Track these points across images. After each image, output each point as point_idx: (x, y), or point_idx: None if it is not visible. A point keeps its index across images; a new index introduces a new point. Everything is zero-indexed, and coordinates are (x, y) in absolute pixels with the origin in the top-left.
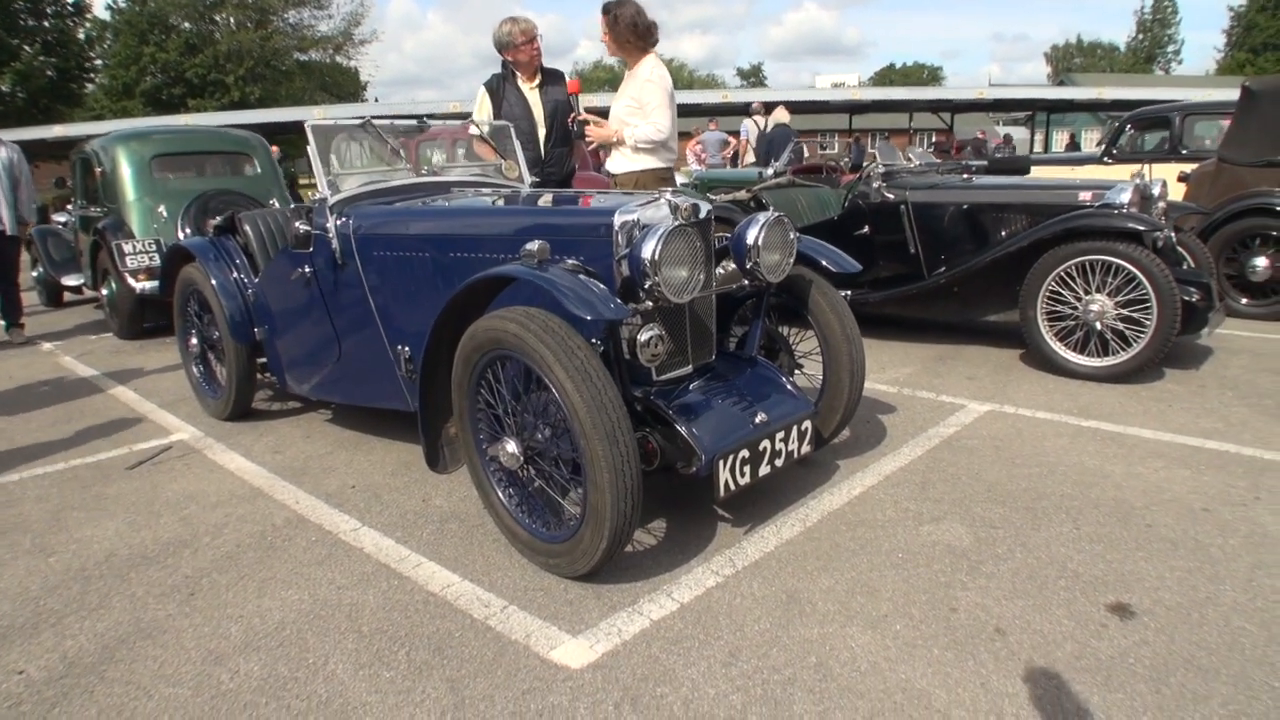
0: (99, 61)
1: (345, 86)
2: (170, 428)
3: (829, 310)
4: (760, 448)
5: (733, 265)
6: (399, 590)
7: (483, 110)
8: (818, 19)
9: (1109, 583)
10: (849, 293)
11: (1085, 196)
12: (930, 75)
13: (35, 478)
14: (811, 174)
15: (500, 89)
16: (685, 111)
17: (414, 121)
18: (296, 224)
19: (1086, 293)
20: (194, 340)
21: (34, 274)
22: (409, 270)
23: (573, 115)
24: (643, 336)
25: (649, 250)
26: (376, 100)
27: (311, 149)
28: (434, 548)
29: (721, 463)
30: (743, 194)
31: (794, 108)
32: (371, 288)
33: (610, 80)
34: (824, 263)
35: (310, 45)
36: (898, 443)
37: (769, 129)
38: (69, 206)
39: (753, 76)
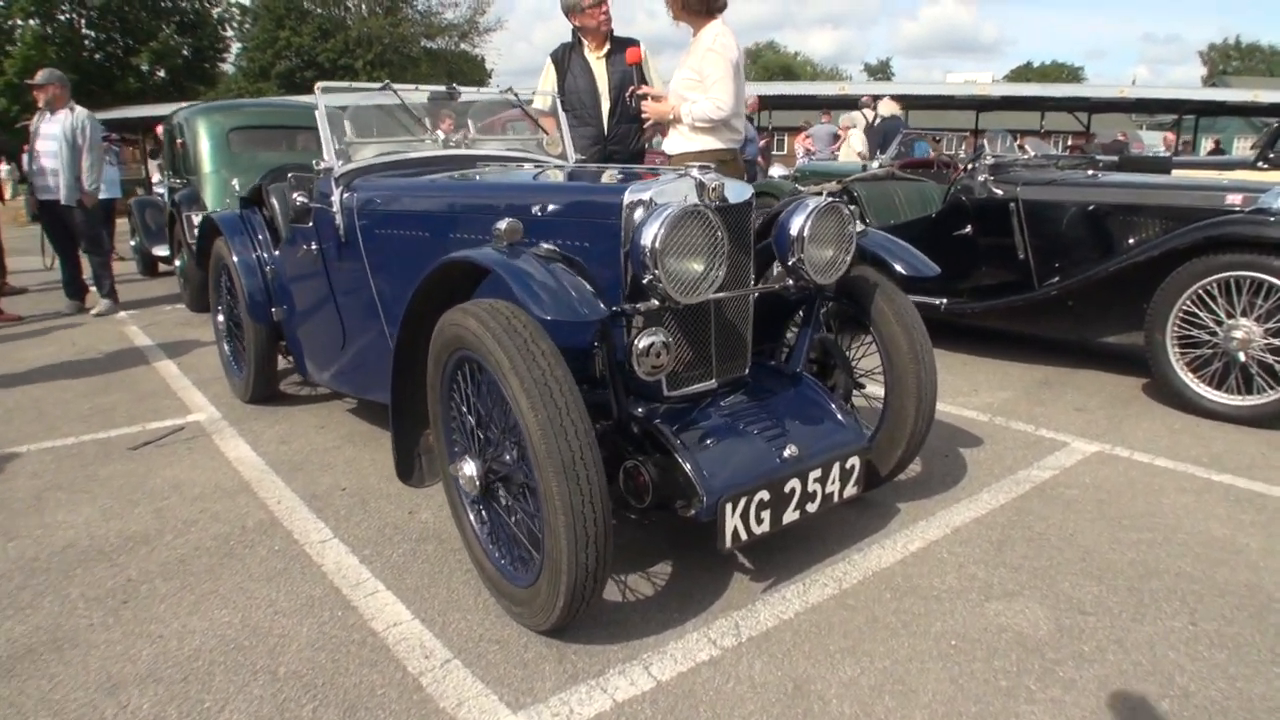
0: (237, 44)
1: (471, 74)
2: (192, 407)
3: (895, 322)
4: (786, 488)
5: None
6: (339, 624)
7: (548, 82)
8: (954, 15)
9: (1230, 711)
10: (943, 300)
11: (1234, 200)
12: (1070, 75)
13: (41, 451)
14: (922, 169)
15: (566, 59)
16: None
17: (443, 89)
18: (294, 195)
19: (1229, 316)
20: (221, 317)
21: (131, 243)
22: (407, 250)
23: (631, 88)
24: (641, 343)
25: (650, 236)
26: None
27: (320, 114)
28: (398, 573)
29: (730, 506)
30: (832, 185)
31: (917, 103)
32: (373, 268)
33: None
34: (894, 264)
35: (437, 32)
36: (977, 485)
37: (876, 122)
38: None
39: (880, 73)
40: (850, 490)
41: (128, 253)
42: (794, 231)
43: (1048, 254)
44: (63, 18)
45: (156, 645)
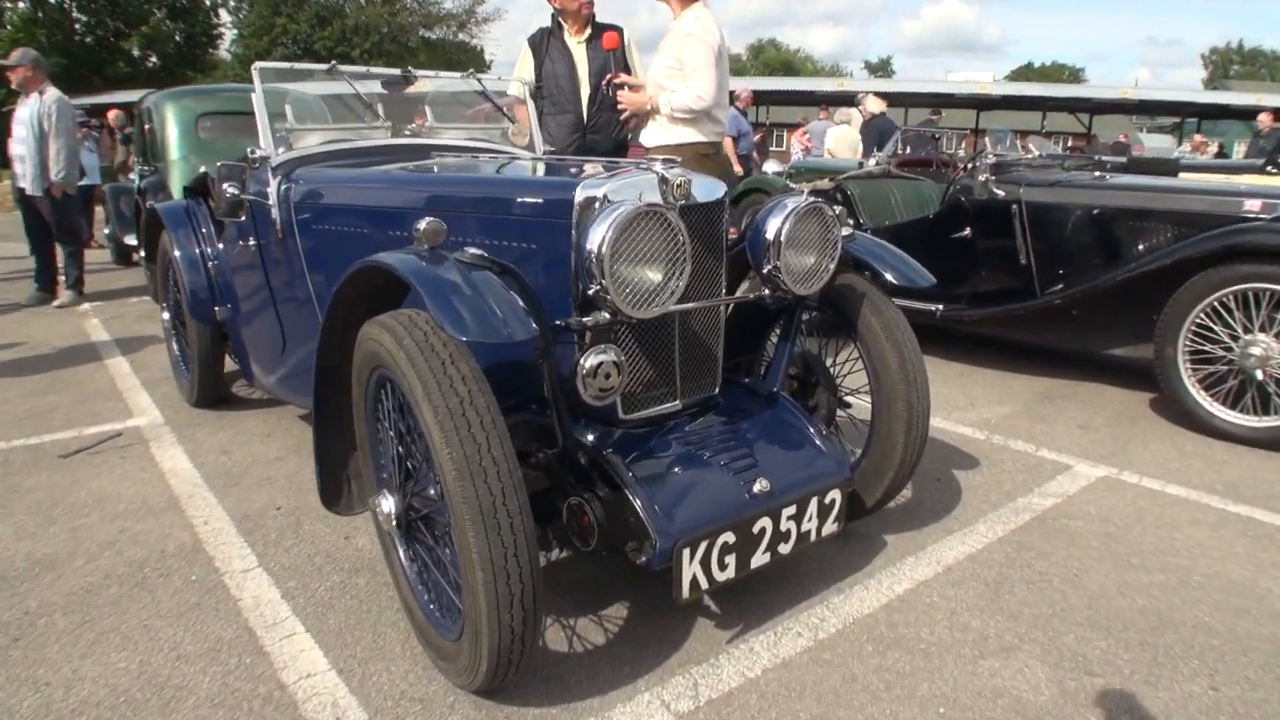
0: (233, 31)
1: (469, 65)
2: (135, 410)
3: (884, 337)
4: (755, 528)
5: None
6: (246, 674)
7: (524, 68)
8: (957, 14)
9: None
10: (939, 307)
11: (1253, 206)
12: (1071, 76)
13: None
14: (920, 167)
15: (544, 43)
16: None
17: (396, 73)
18: (225, 186)
19: (1246, 331)
20: (167, 315)
21: (105, 231)
22: (345, 248)
23: (608, 77)
24: (589, 363)
25: (596, 240)
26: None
27: (257, 97)
28: (322, 612)
29: (688, 551)
30: (825, 183)
31: (917, 101)
32: (310, 267)
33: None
34: (884, 271)
35: (435, 22)
36: (972, 515)
37: (867, 120)
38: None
39: (881, 70)
40: (830, 528)
41: (105, 241)
42: (770, 235)
43: (1051, 259)
44: (52, 0)
45: (40, 695)
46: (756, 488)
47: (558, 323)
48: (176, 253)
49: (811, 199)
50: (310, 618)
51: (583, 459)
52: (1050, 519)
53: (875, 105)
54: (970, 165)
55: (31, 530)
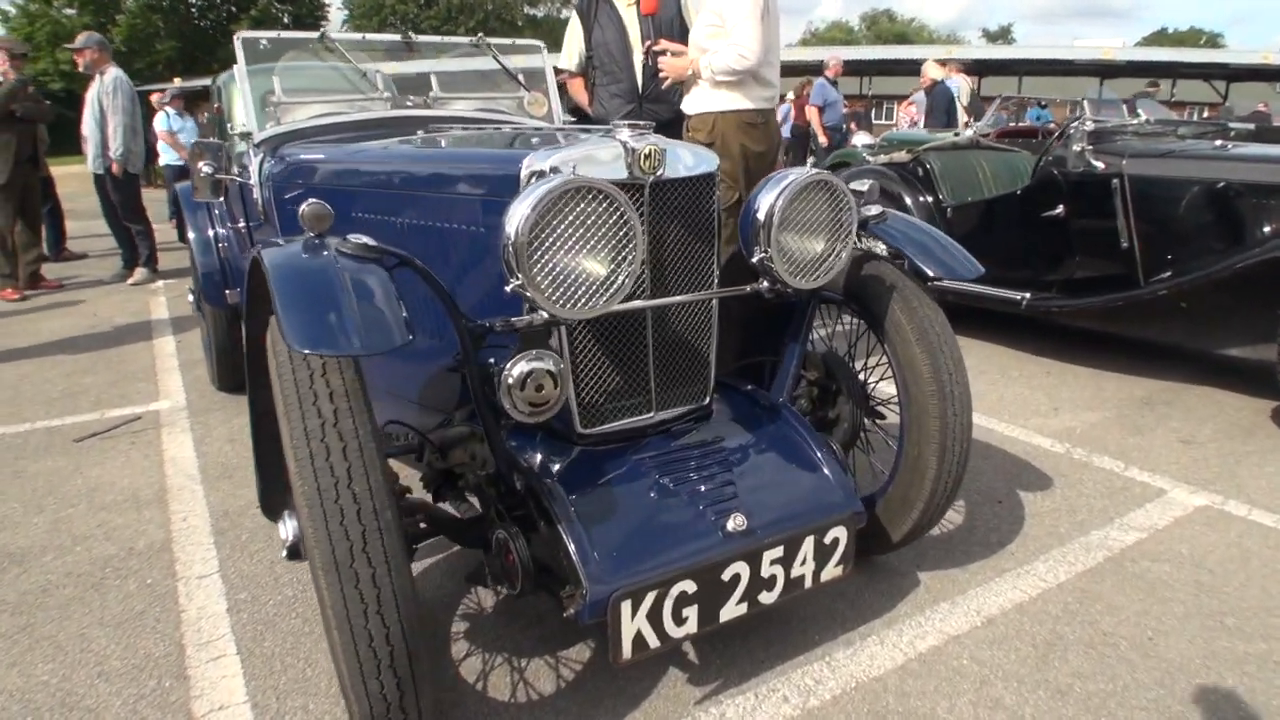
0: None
1: None
2: (163, 393)
3: (915, 340)
4: (726, 575)
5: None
6: (157, 702)
7: (572, 39)
8: None
9: None
10: (1025, 295)
11: None
12: (1209, 42)
13: None
14: (1024, 138)
15: (592, 9)
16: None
17: (396, 39)
18: (200, 165)
19: None
20: (191, 296)
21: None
22: None
23: (647, 43)
24: (514, 372)
25: (513, 223)
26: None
27: (239, 70)
28: (260, 632)
29: (629, 604)
30: (902, 155)
31: (1034, 69)
32: None
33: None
34: (918, 261)
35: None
36: (1033, 550)
37: (932, 88)
38: None
39: (1001, 38)
40: (831, 572)
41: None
42: (761, 215)
43: (1158, 242)
44: None
45: None
46: (731, 524)
47: (482, 323)
48: (191, 234)
49: (815, 171)
50: (247, 637)
51: (519, 483)
52: (1129, 560)
53: (936, 71)
54: (1065, 133)
55: (16, 520)
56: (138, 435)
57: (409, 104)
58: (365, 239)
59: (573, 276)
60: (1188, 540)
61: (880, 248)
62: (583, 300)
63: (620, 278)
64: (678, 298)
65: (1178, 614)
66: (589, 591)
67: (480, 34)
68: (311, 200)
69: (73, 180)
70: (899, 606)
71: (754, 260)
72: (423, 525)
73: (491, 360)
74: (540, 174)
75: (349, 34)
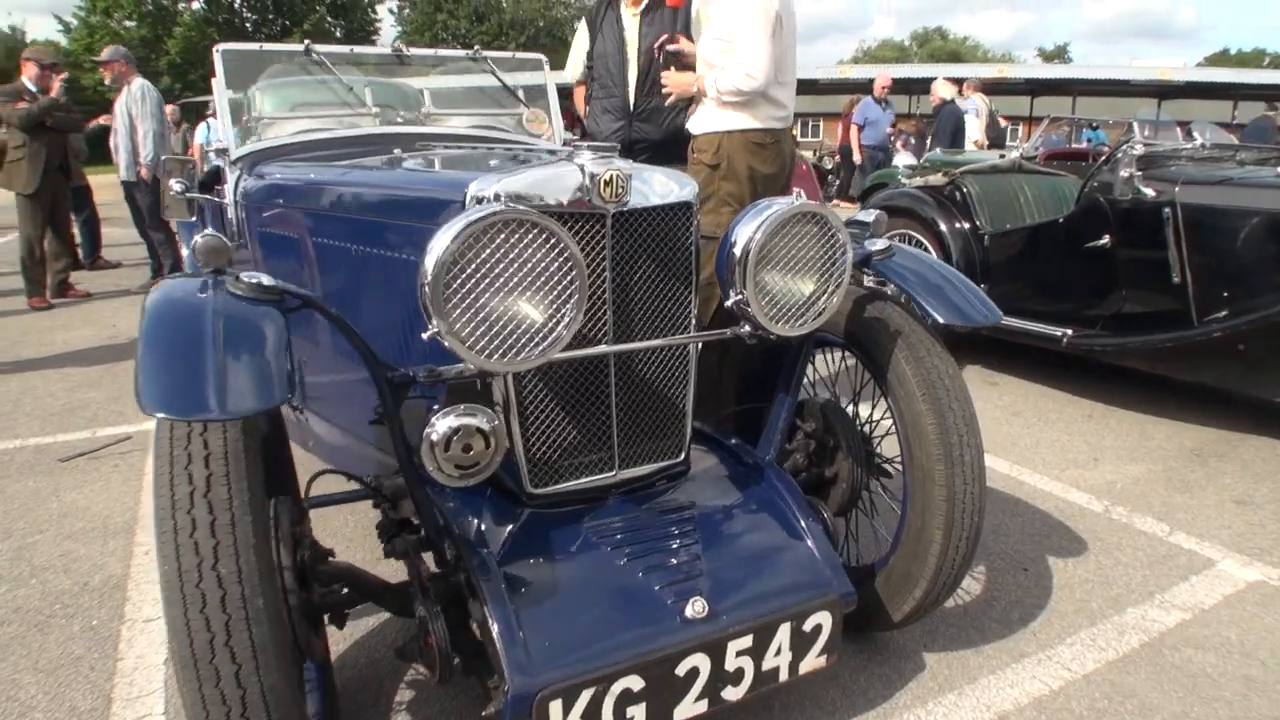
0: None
1: None
2: None
3: (921, 396)
4: (682, 669)
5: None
6: None
7: (579, 47)
8: None
9: None
10: (1067, 331)
11: None
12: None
13: None
14: (1073, 161)
15: (600, 17)
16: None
17: (387, 52)
18: (171, 182)
19: None
20: None
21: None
22: (285, 257)
23: (662, 39)
24: (439, 428)
25: (432, 259)
26: None
27: (218, 84)
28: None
29: (560, 704)
30: (938, 178)
31: (1089, 89)
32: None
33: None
34: (924, 303)
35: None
36: (1058, 631)
37: (940, 107)
38: None
39: (1057, 58)
40: (813, 663)
41: None
42: (737, 249)
43: (1214, 278)
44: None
45: None
46: (690, 610)
47: (404, 372)
48: (184, 251)
49: (802, 201)
50: (178, 697)
51: (449, 551)
52: (1169, 647)
53: (945, 90)
54: (1112, 156)
55: None
56: (124, 457)
57: (399, 120)
58: (261, 277)
59: (502, 322)
60: (1238, 624)
61: (892, 288)
62: (514, 350)
63: (560, 326)
64: (644, 343)
65: (1223, 718)
66: (511, 686)
67: (477, 47)
68: (207, 232)
69: (111, 189)
70: (898, 695)
71: (728, 303)
72: (345, 591)
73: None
74: (482, 200)
75: (336, 47)
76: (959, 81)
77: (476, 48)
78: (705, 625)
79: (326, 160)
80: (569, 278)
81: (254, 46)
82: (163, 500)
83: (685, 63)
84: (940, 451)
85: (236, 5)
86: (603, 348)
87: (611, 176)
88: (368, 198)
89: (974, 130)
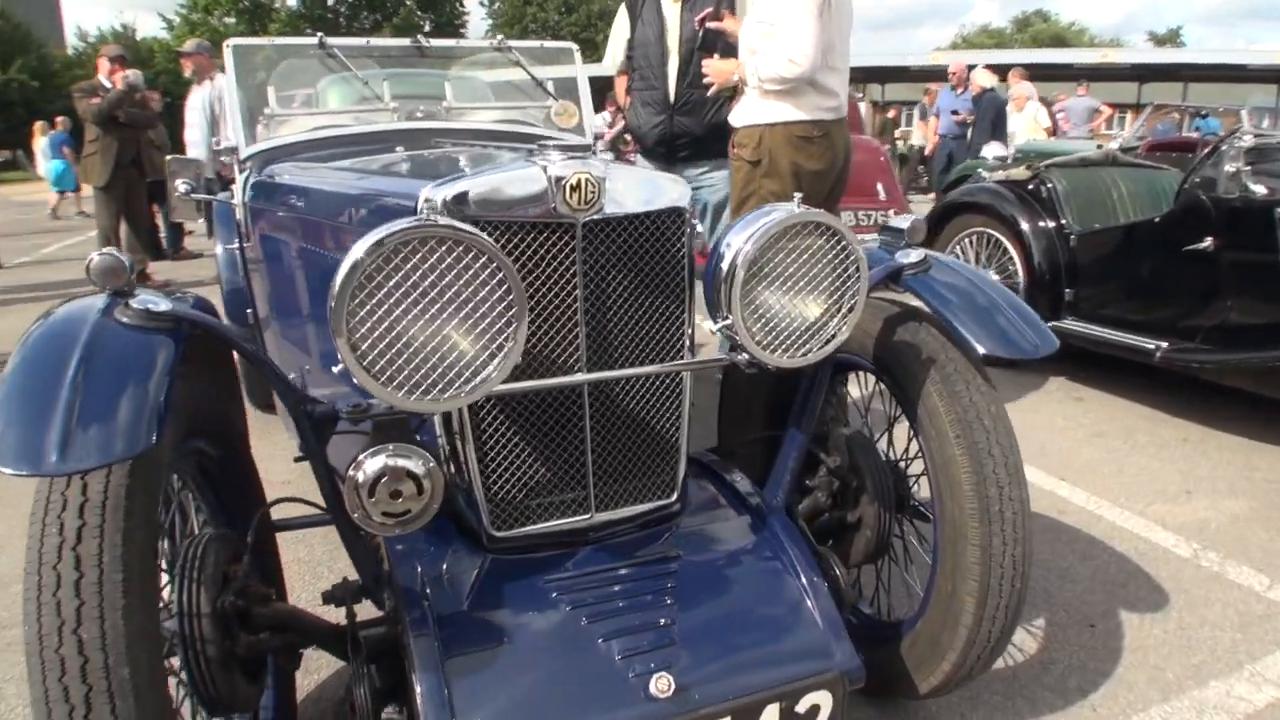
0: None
1: None
2: None
3: (954, 438)
4: None
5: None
6: None
7: (618, 35)
8: None
9: None
10: (1161, 344)
11: None
12: None
13: None
14: (1179, 151)
15: (640, 2)
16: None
17: (406, 43)
18: (177, 182)
19: None
20: None
21: None
22: (286, 262)
23: (704, 13)
24: (366, 469)
25: (340, 278)
26: None
27: (228, 80)
28: None
29: None
30: (1021, 171)
31: (1198, 75)
32: (270, 280)
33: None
34: (963, 329)
35: None
36: (1124, 705)
37: (980, 95)
38: None
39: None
40: None
41: None
42: (725, 264)
43: None
44: None
45: None
46: (654, 686)
47: (325, 407)
48: (219, 249)
49: (806, 209)
50: None
51: (387, 602)
52: None
53: (985, 78)
54: (1215, 149)
55: None
56: None
57: (419, 114)
58: (158, 300)
59: (423, 353)
60: None
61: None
62: (436, 388)
63: (492, 363)
64: (623, 371)
65: None
66: None
67: (500, 37)
68: (104, 251)
69: None
70: None
71: (713, 329)
72: (284, 637)
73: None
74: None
75: (351, 40)
76: (1003, 69)
77: (500, 38)
78: (672, 704)
79: (335, 159)
80: (503, 304)
81: (265, 41)
82: (31, 553)
83: (730, 45)
84: (975, 505)
85: (330, 1)
86: (575, 377)
87: (579, 180)
88: (341, 202)
89: (1022, 121)
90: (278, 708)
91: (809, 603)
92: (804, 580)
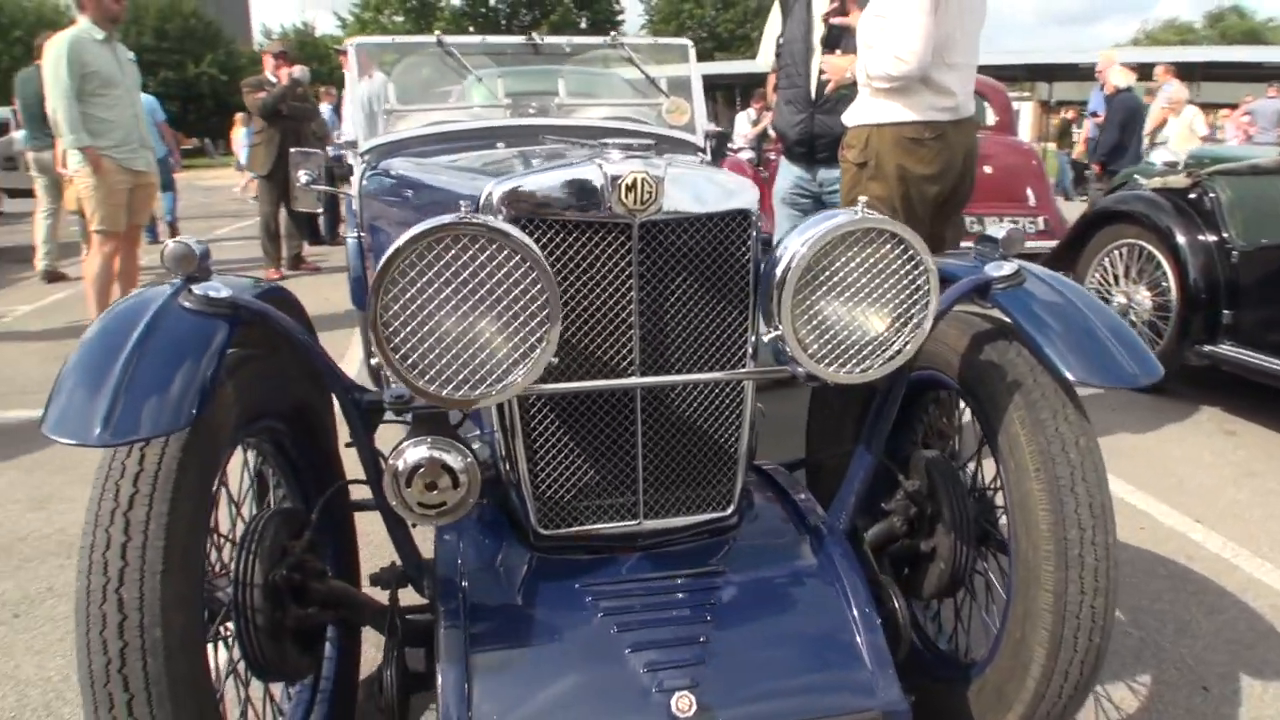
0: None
1: None
2: None
3: (1034, 471)
4: None
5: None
6: None
7: (770, 32)
8: None
9: None
10: None
11: None
12: None
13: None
14: None
15: (792, 0)
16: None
17: (520, 40)
18: (299, 173)
19: None
20: None
21: None
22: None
23: (829, 9)
24: (406, 459)
25: (379, 268)
26: None
27: (350, 77)
28: None
29: None
30: (1179, 179)
31: None
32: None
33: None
34: (1050, 351)
35: None
36: None
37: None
38: None
39: None
40: None
41: None
42: (778, 271)
43: None
44: None
45: None
46: (676, 705)
47: (371, 397)
48: (348, 238)
49: (869, 213)
50: None
51: (427, 590)
52: None
53: (1119, 77)
54: None
55: None
56: None
57: (531, 110)
58: (220, 287)
59: (454, 348)
60: None
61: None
62: (468, 384)
63: (523, 364)
64: (675, 377)
65: None
66: None
67: (614, 34)
68: (177, 240)
69: None
70: None
71: (766, 338)
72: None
73: None
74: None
75: (467, 38)
76: (1145, 67)
77: (614, 35)
78: None
79: (442, 154)
80: (545, 297)
81: (387, 40)
82: (89, 514)
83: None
84: (1051, 547)
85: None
86: (626, 380)
87: (635, 180)
88: (426, 194)
89: (1176, 128)
90: (338, 680)
91: (858, 635)
92: (855, 611)
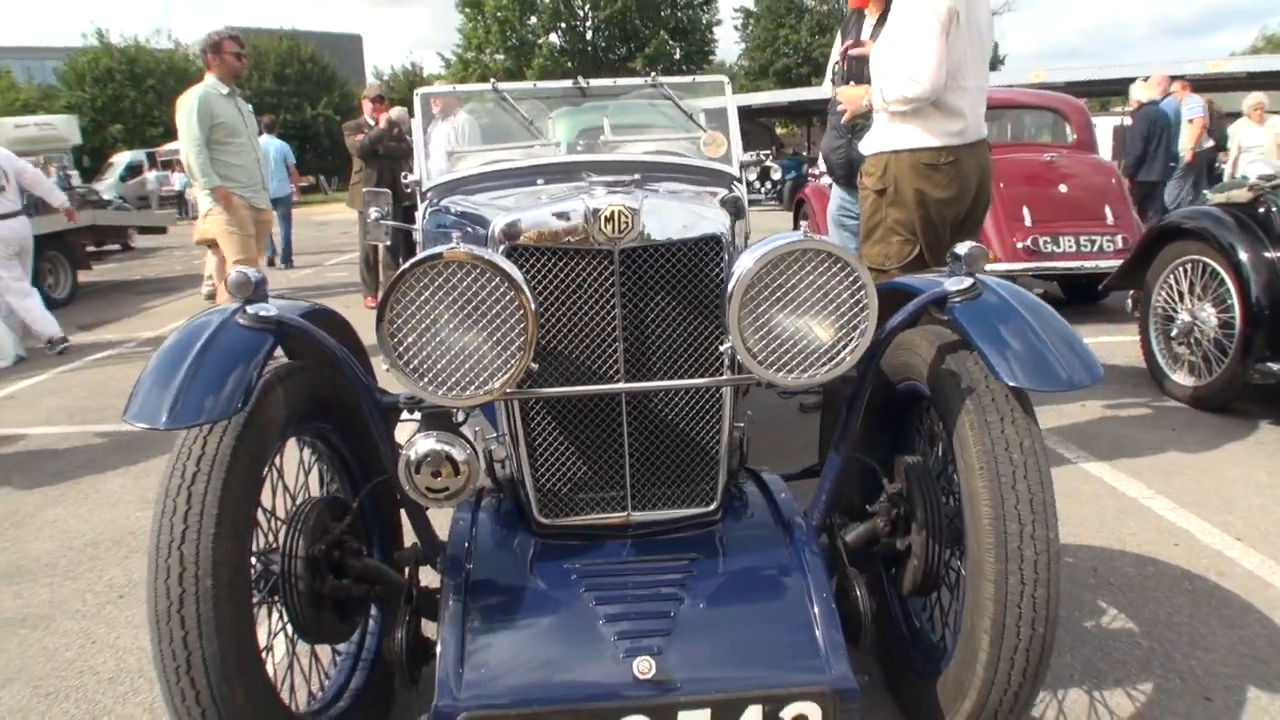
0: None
1: None
2: None
3: (978, 470)
4: None
5: None
6: None
7: (833, 58)
8: None
9: None
10: None
11: None
12: None
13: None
14: None
15: (850, 25)
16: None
17: (569, 85)
18: (370, 210)
19: None
20: None
21: None
22: None
23: (847, 44)
24: (417, 449)
25: (387, 286)
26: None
27: (416, 123)
28: None
29: None
30: (1242, 193)
31: None
32: None
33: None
34: (993, 359)
35: None
36: None
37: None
38: None
39: None
40: None
41: None
42: (731, 285)
43: None
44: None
45: None
46: (637, 667)
47: (390, 398)
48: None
49: (810, 236)
50: None
51: (439, 565)
52: None
53: (1142, 92)
54: None
55: None
56: None
57: (579, 148)
58: (269, 308)
59: (449, 355)
60: None
61: None
62: (459, 386)
63: (513, 359)
64: (653, 383)
65: None
66: (436, 704)
67: (653, 74)
68: (238, 269)
69: None
70: None
71: (723, 349)
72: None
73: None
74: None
75: (519, 84)
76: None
77: (653, 74)
78: (653, 687)
79: (491, 191)
80: (515, 312)
81: (449, 89)
82: (162, 485)
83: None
84: (993, 540)
85: (589, 36)
86: (612, 385)
87: (613, 213)
88: (467, 229)
89: (1260, 136)
90: (379, 651)
91: (814, 621)
92: (814, 598)
